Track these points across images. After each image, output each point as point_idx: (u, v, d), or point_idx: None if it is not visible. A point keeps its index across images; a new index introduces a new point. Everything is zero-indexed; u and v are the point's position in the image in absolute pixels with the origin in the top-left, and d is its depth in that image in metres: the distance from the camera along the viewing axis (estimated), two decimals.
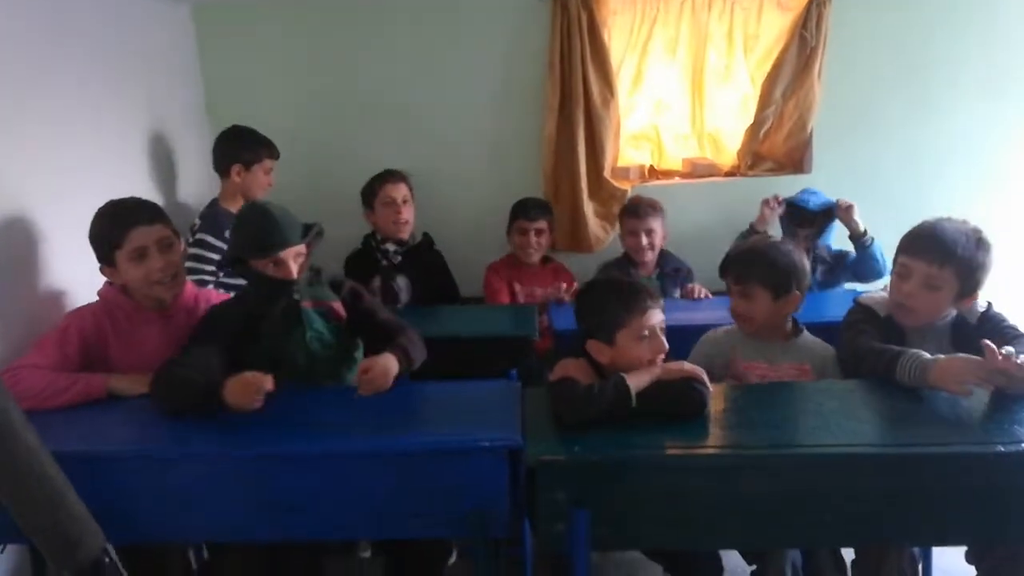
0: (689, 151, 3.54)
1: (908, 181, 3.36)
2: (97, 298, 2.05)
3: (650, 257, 3.05)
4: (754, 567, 2.01)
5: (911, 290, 1.91)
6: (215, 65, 3.29)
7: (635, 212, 3.02)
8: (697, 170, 3.48)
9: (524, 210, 3.14)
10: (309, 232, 2.00)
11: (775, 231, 3.10)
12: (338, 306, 2.05)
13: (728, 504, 1.58)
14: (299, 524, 1.69)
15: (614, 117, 3.28)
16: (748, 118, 3.37)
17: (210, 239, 2.64)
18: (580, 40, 3.13)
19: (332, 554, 2.30)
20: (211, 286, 2.53)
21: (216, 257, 2.61)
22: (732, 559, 2.00)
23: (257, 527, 1.71)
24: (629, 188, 3.37)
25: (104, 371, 1.95)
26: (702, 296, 2.89)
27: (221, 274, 2.62)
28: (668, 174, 3.54)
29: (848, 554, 2.01)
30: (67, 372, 1.89)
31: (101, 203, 2.01)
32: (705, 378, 1.71)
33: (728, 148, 3.50)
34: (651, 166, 3.55)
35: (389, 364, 1.84)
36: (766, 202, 3.12)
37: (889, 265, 2.08)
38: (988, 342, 1.65)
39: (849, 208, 2.96)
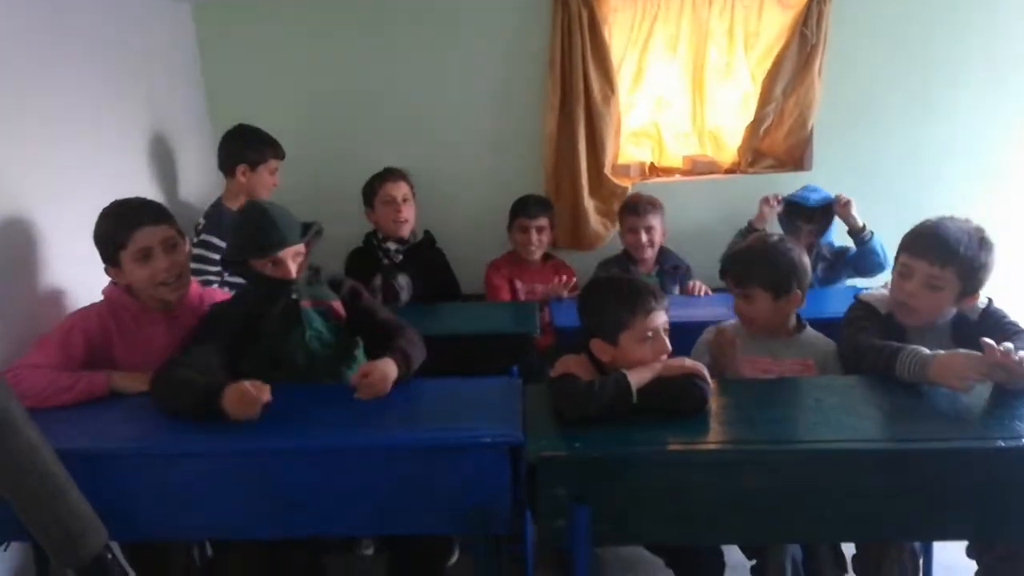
0: (690, 148, 3.54)
1: (909, 178, 3.36)
2: (100, 298, 2.04)
3: (650, 254, 3.06)
4: (754, 562, 2.02)
5: (913, 290, 1.91)
6: (216, 64, 3.29)
7: (635, 209, 3.02)
8: (697, 167, 3.48)
9: (525, 207, 3.15)
10: (308, 231, 2.00)
11: (774, 229, 3.10)
12: (337, 305, 2.05)
13: (729, 500, 1.58)
14: (301, 520, 1.70)
15: (615, 114, 3.28)
16: (748, 115, 3.37)
17: (214, 240, 2.63)
18: (581, 37, 3.13)
19: (334, 551, 2.31)
20: (216, 286, 2.53)
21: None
22: (733, 554, 2.00)
23: (259, 524, 1.72)
24: (630, 185, 3.37)
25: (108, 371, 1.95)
26: (702, 293, 2.90)
27: (226, 274, 2.61)
28: (668, 171, 3.54)
29: (848, 549, 2.02)
30: (69, 371, 1.89)
31: (102, 202, 2.00)
32: (706, 374, 1.72)
33: (728, 145, 3.50)
34: (651, 163, 3.55)
35: (388, 369, 1.83)
36: (765, 200, 3.11)
37: (890, 258, 2.08)
38: (987, 340, 1.65)
39: (847, 204, 2.96)
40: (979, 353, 1.66)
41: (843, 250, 3.06)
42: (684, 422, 1.65)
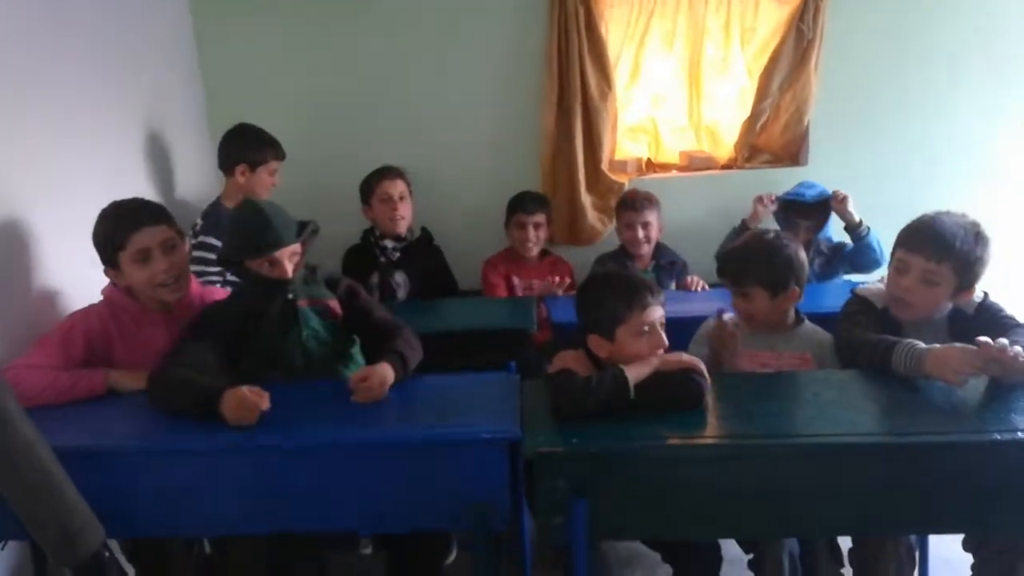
0: (686, 144, 3.55)
1: (905, 173, 3.36)
2: (99, 296, 2.03)
3: (646, 250, 3.06)
4: (751, 556, 2.02)
5: (909, 285, 1.91)
6: (213, 58, 3.28)
7: (631, 205, 3.03)
8: (694, 163, 3.48)
9: (522, 204, 3.15)
10: (304, 230, 1.98)
11: (770, 227, 3.09)
12: (334, 304, 2.04)
13: (726, 494, 1.59)
14: (298, 517, 1.70)
15: (611, 110, 3.28)
16: (745, 111, 3.37)
17: (213, 241, 2.60)
18: (577, 33, 3.13)
19: (333, 550, 2.31)
20: (219, 286, 2.51)
21: None
22: (730, 548, 2.01)
23: (256, 520, 1.72)
24: (626, 181, 3.38)
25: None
26: (699, 288, 2.90)
27: (228, 273, 2.59)
28: (665, 167, 3.55)
29: (845, 543, 2.02)
30: (68, 371, 1.88)
31: (99, 199, 2.00)
32: (703, 369, 1.72)
33: (725, 141, 3.50)
34: (648, 159, 3.55)
35: (386, 374, 1.82)
36: (759, 199, 3.11)
37: (887, 253, 2.08)
38: (983, 338, 1.66)
39: (844, 200, 2.97)
40: (974, 347, 1.66)
41: (840, 245, 3.06)
42: (681, 417, 1.65)
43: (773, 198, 3.12)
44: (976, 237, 1.87)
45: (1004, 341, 1.65)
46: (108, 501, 1.58)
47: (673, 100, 3.48)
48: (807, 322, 2.11)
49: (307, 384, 1.94)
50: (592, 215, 3.41)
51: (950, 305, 1.95)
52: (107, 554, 1.56)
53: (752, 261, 2.04)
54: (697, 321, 2.17)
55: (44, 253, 2.12)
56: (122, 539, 1.93)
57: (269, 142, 2.81)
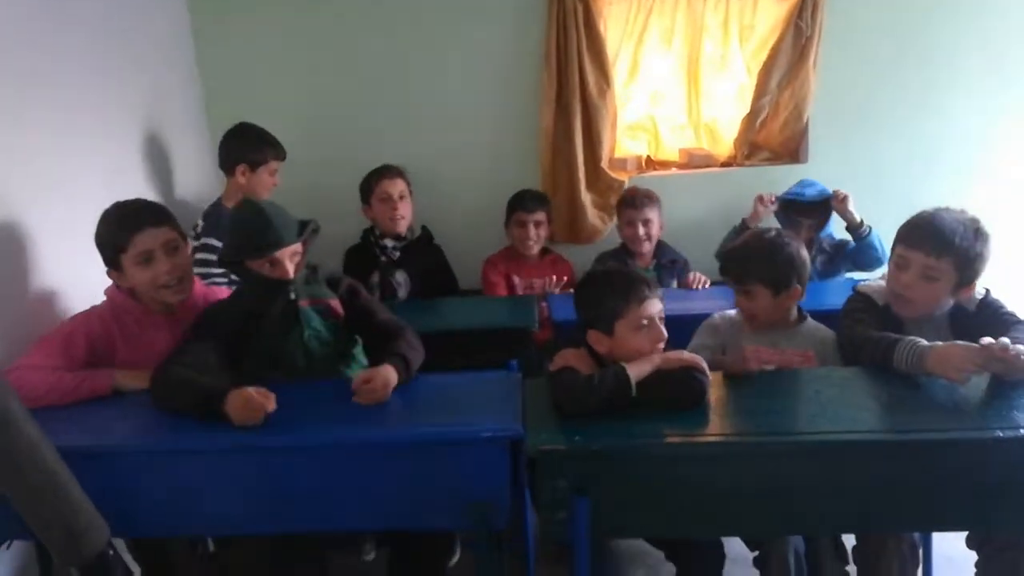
0: (686, 141, 3.55)
1: (905, 170, 3.36)
2: (100, 296, 2.03)
3: (647, 248, 3.07)
4: (756, 553, 2.02)
5: (909, 281, 1.91)
6: (211, 56, 3.27)
7: (632, 203, 3.03)
8: (694, 160, 3.48)
9: (522, 202, 3.15)
10: (305, 229, 1.97)
11: (771, 225, 3.10)
12: (336, 304, 2.04)
13: (728, 492, 1.59)
14: (301, 516, 1.70)
15: (611, 108, 3.28)
16: (744, 108, 3.37)
17: (215, 242, 2.59)
18: (576, 31, 3.13)
19: (336, 550, 2.31)
20: (224, 286, 2.50)
21: None
22: (734, 545, 2.01)
23: (259, 520, 1.72)
24: (626, 179, 3.37)
25: None
26: (701, 286, 2.90)
27: (232, 275, 2.59)
28: (665, 164, 3.55)
29: (849, 540, 2.03)
30: (73, 372, 1.88)
31: (98, 199, 1.99)
32: (705, 367, 1.72)
33: (725, 138, 3.50)
34: (648, 157, 3.55)
35: (390, 376, 1.81)
36: (759, 199, 3.11)
37: (888, 251, 2.08)
38: (986, 339, 1.66)
39: (844, 199, 2.97)
40: (976, 344, 1.66)
41: (843, 243, 3.06)
42: (683, 415, 1.66)
43: (773, 198, 3.12)
44: (976, 233, 1.87)
45: (1006, 340, 1.65)
46: (112, 501, 1.59)
47: (672, 97, 3.48)
48: (810, 319, 2.11)
49: (309, 384, 1.94)
50: (592, 213, 3.41)
51: (951, 302, 1.95)
52: (112, 553, 1.57)
53: (754, 260, 2.04)
54: (699, 319, 2.17)
55: (43, 253, 2.11)
56: (127, 538, 1.93)
57: (270, 142, 2.79)
